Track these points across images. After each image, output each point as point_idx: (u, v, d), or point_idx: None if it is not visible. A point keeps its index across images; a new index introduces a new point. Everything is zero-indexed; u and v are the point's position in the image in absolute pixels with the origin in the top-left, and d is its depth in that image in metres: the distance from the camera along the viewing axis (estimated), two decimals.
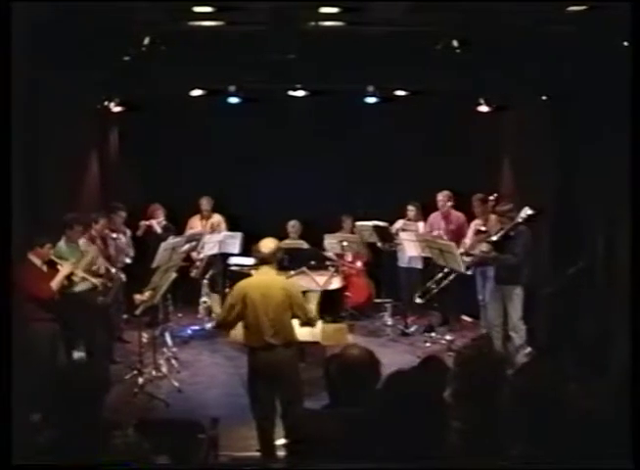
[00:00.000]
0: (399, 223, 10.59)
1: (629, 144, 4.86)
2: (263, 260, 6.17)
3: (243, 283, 6.29)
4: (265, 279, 6.14)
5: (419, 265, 10.38)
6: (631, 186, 4.84)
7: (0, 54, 4.27)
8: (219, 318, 6.43)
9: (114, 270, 8.73)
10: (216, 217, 10.99)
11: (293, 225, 10.83)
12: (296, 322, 6.23)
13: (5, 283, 4.14)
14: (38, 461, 3.23)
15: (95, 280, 8.02)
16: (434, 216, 10.47)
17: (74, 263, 7.69)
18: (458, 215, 10.27)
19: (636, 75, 4.75)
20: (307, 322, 6.25)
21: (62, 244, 8.05)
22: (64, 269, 7.48)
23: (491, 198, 9.36)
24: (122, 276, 8.75)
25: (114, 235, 9.53)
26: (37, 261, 7.36)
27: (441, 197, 10.31)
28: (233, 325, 6.30)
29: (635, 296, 4.76)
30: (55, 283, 7.34)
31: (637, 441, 2.91)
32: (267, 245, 6.20)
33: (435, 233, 10.12)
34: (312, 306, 6.25)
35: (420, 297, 9.77)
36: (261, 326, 5.99)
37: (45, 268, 7.44)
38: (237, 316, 6.10)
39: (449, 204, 10.25)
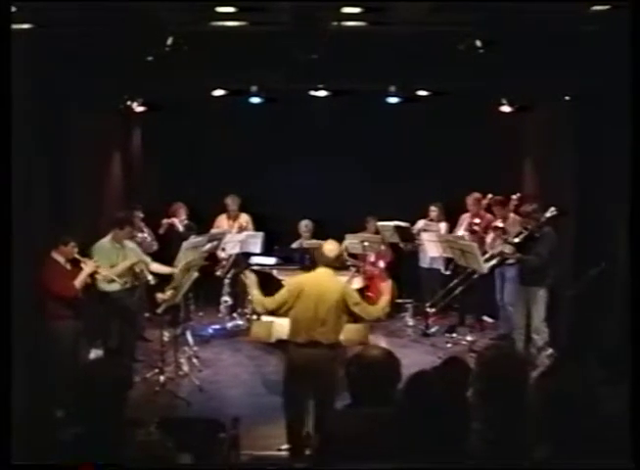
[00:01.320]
0: (421, 224, 10.57)
1: (630, 144, 4.84)
2: (325, 263, 6.20)
3: (300, 278, 6.34)
4: (323, 279, 6.16)
5: (440, 266, 10.35)
6: (631, 186, 4.82)
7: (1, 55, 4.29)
8: (269, 306, 6.22)
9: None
10: (244, 217, 11.02)
11: (306, 225, 10.78)
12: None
13: (5, 283, 4.17)
14: (60, 458, 3.26)
15: (121, 280, 8.10)
16: (465, 217, 10.44)
17: (98, 264, 7.75)
18: (488, 217, 10.21)
19: (636, 76, 4.74)
20: (374, 316, 6.32)
21: (106, 242, 8.14)
22: (87, 268, 7.54)
23: (514, 197, 9.29)
24: (150, 276, 8.81)
25: (140, 235, 9.59)
26: (61, 260, 7.43)
27: (471, 200, 10.27)
28: (281, 314, 6.23)
29: (635, 296, 4.75)
30: (78, 281, 7.41)
31: (637, 441, 2.89)
32: (332, 249, 6.27)
33: (461, 233, 10.09)
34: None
35: (431, 306, 9.80)
36: (312, 322, 5.99)
37: (69, 266, 7.50)
38: (286, 308, 6.09)
39: (482, 203, 10.17)
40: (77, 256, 7.53)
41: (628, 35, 4.95)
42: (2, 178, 4.29)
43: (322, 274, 6.19)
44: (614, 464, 2.84)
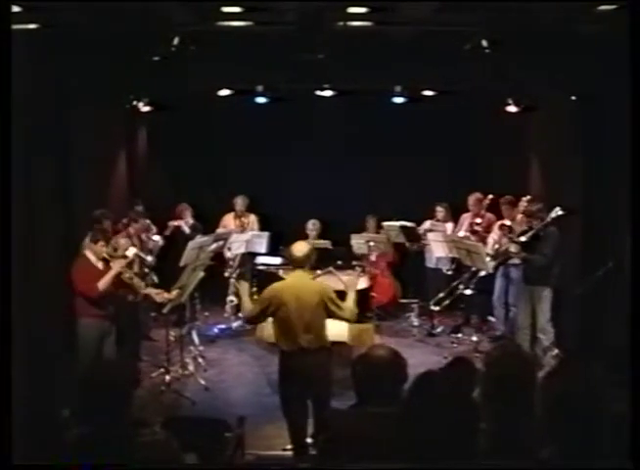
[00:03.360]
0: (427, 224, 10.56)
1: (630, 144, 4.84)
2: (296, 264, 6.17)
3: (277, 285, 6.24)
4: (299, 282, 6.10)
5: (446, 266, 10.32)
6: (631, 186, 4.82)
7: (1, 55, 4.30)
8: (249, 314, 6.27)
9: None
10: (250, 217, 11.05)
11: (313, 224, 10.76)
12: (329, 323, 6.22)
13: (4, 284, 4.17)
14: (65, 458, 3.26)
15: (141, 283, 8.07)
16: (465, 217, 10.42)
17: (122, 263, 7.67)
18: (489, 217, 10.18)
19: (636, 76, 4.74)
20: (347, 318, 6.21)
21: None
22: (113, 269, 7.40)
23: (524, 199, 9.21)
24: (154, 277, 8.82)
25: (155, 237, 9.58)
26: (92, 258, 7.31)
27: (472, 200, 10.24)
28: (261, 321, 6.49)
29: (635, 296, 4.74)
30: (102, 283, 7.25)
31: (637, 441, 2.88)
32: (300, 249, 6.18)
33: (462, 234, 10.07)
34: (350, 303, 6.22)
35: (435, 304, 9.79)
36: (295, 329, 5.93)
37: (100, 265, 7.38)
38: (266, 316, 6.13)
39: (484, 203, 10.12)
40: (106, 255, 7.41)
41: (628, 35, 4.96)
42: (3, 178, 4.29)
43: (298, 277, 6.15)
44: (613, 464, 2.82)
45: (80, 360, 7.16)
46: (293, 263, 6.25)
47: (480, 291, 9.64)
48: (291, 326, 5.95)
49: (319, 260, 6.57)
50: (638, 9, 4.74)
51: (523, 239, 8.34)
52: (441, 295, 9.76)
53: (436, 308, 9.89)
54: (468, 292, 9.32)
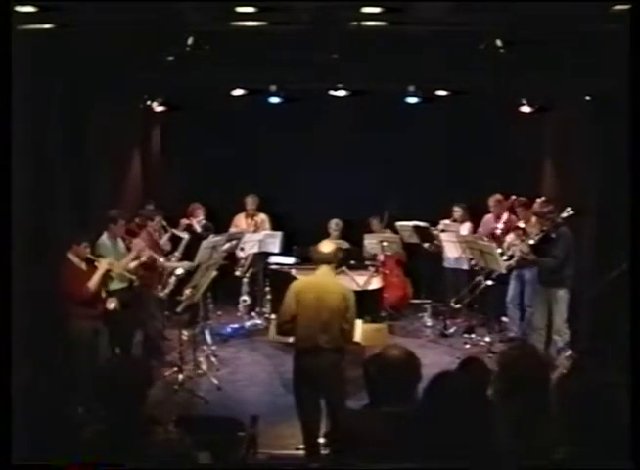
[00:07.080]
0: (442, 224, 10.51)
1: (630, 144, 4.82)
2: (323, 261, 6.16)
3: (298, 282, 6.29)
4: (323, 281, 6.12)
5: (464, 266, 10.27)
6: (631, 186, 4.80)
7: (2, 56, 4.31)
8: (279, 322, 6.24)
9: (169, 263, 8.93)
10: (261, 216, 11.05)
11: (336, 224, 10.71)
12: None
13: (5, 283, 4.18)
14: (79, 456, 3.27)
15: (132, 276, 8.08)
16: (489, 218, 10.34)
17: (111, 262, 7.70)
18: (511, 219, 10.08)
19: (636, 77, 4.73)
20: (347, 334, 6.07)
21: (104, 239, 8.11)
22: (100, 268, 7.49)
23: (538, 200, 9.16)
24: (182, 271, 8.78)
25: (182, 234, 9.55)
26: (75, 260, 7.40)
27: (493, 201, 10.18)
28: (293, 327, 6.10)
29: (635, 297, 4.72)
30: (92, 283, 7.36)
31: (637, 441, 2.86)
32: (327, 245, 6.29)
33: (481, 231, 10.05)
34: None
35: (456, 302, 9.77)
36: (312, 328, 5.93)
37: (84, 266, 7.46)
38: (294, 316, 6.02)
39: (504, 204, 10.03)
40: (90, 255, 7.49)
41: (630, 35, 4.93)
42: (2, 178, 4.30)
43: (322, 275, 6.15)
44: (613, 464, 2.81)
45: (77, 361, 7.21)
46: (318, 261, 6.21)
47: (494, 291, 9.61)
48: (308, 325, 5.95)
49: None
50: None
51: (531, 242, 8.33)
52: (464, 291, 9.75)
53: (457, 306, 9.87)
54: (489, 283, 9.26)
